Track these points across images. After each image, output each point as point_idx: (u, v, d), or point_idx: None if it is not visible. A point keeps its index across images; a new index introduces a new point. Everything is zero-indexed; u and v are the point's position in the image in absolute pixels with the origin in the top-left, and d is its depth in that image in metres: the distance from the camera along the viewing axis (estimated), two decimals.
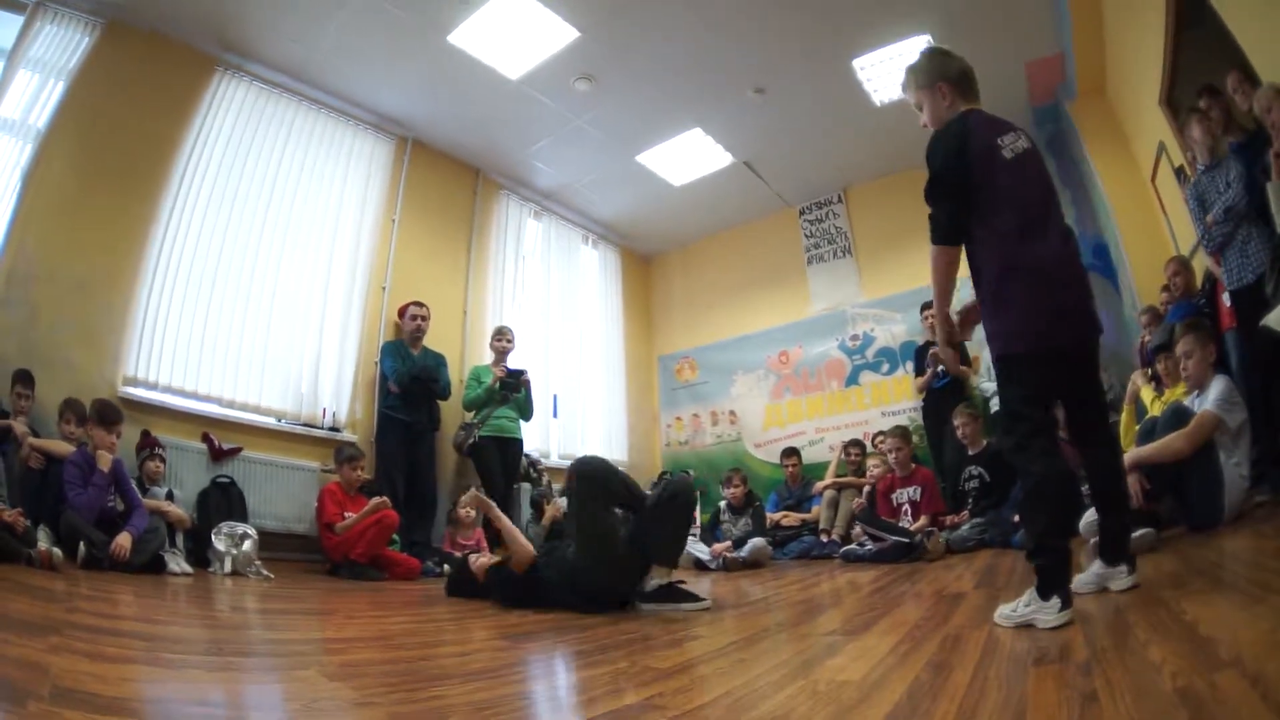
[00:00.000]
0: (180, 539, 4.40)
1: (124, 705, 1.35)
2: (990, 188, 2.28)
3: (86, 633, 1.96)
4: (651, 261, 10.48)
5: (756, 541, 5.70)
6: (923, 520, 5.46)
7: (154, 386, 5.03)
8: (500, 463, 6.14)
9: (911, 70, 2.60)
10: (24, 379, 4.24)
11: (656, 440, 9.68)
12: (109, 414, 4.16)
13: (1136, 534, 2.97)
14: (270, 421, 5.63)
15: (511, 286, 7.87)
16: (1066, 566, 2.04)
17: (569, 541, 3.39)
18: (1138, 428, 4.00)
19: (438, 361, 6.21)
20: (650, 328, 10.22)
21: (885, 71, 6.33)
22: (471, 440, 6.06)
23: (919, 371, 6.81)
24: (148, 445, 4.70)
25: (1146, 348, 5.00)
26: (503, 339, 6.51)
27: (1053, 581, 1.99)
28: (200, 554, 4.47)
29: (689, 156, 7.74)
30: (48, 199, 4.73)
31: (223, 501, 4.91)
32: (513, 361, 6.51)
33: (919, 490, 5.68)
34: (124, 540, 3.73)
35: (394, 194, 6.93)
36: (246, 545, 4.42)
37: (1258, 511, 3.46)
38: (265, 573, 4.32)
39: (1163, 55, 4.63)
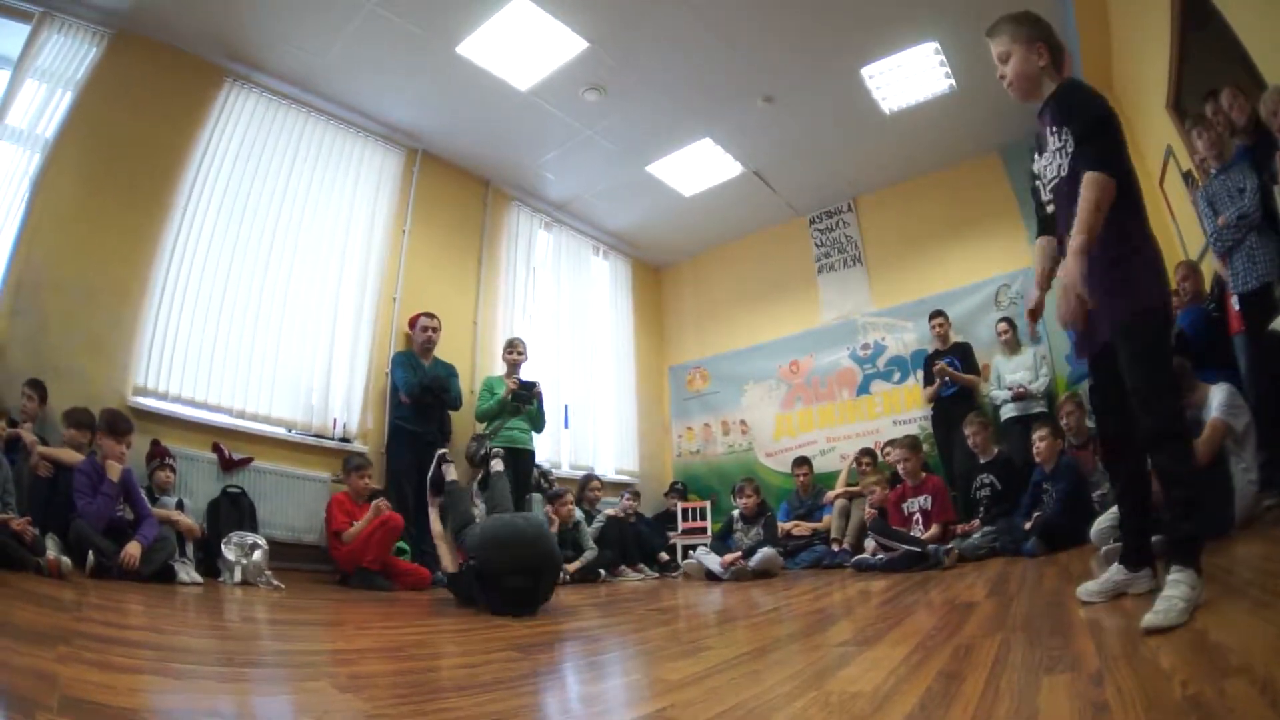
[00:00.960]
0: (190, 549, 4.39)
1: (133, 716, 1.33)
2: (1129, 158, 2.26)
3: (95, 642, 1.95)
4: (662, 271, 10.49)
5: (767, 551, 5.67)
6: (934, 530, 5.42)
7: (164, 396, 5.04)
8: (511, 474, 6.11)
9: (1012, 19, 2.54)
10: (36, 388, 4.25)
11: (668, 450, 9.66)
12: (119, 424, 4.16)
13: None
14: (281, 432, 5.63)
15: (522, 297, 7.88)
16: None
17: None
18: None
19: (448, 372, 6.21)
20: (661, 338, 10.22)
21: (894, 79, 6.35)
22: (483, 451, 6.04)
23: (929, 380, 6.80)
24: (158, 455, 4.70)
25: None
26: (514, 351, 6.50)
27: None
28: (210, 564, 4.46)
29: (699, 166, 7.74)
30: (57, 209, 4.75)
31: (233, 511, 4.91)
32: (524, 373, 6.50)
33: (930, 499, 5.65)
34: (133, 549, 3.73)
35: (404, 205, 6.95)
36: (257, 555, 4.41)
37: (1267, 515, 3.46)
38: (275, 583, 4.31)
39: (1169, 59, 4.61)
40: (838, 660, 1.97)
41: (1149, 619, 1.77)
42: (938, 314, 6.90)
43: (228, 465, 5.14)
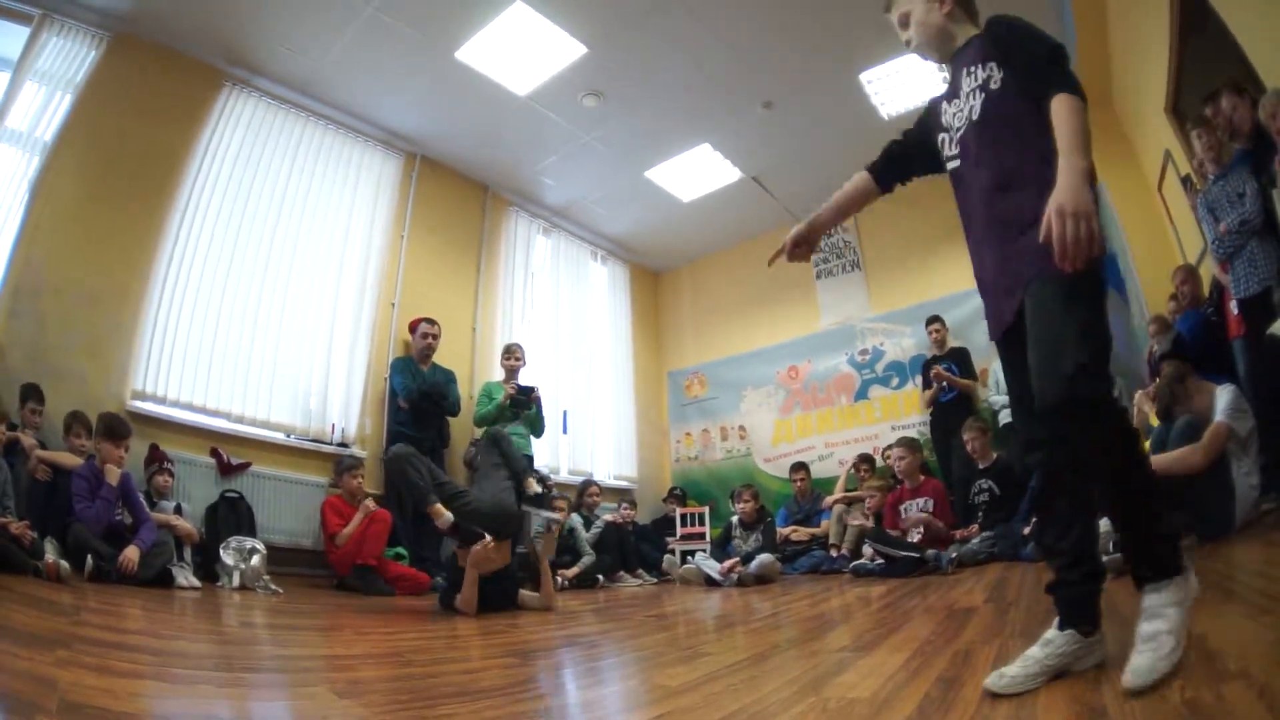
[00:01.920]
0: (188, 553, 4.39)
1: None
2: None
3: (94, 647, 1.95)
4: (660, 277, 10.49)
5: (765, 557, 5.67)
6: (937, 525, 5.43)
7: (162, 401, 5.03)
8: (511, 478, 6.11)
9: None
10: (35, 394, 4.25)
11: (666, 456, 9.65)
12: (118, 428, 4.16)
13: None
14: (279, 437, 5.63)
15: (521, 303, 7.88)
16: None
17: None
18: (1148, 442, 3.97)
19: (447, 378, 6.21)
20: (659, 343, 10.22)
21: (893, 85, 6.36)
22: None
23: (927, 385, 6.81)
24: (156, 459, 4.70)
25: (1154, 357, 4.99)
26: (512, 357, 6.50)
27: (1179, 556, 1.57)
28: (208, 568, 4.46)
29: (697, 172, 7.75)
30: (55, 212, 4.75)
31: (231, 516, 4.91)
32: (522, 378, 6.50)
33: (929, 502, 5.65)
34: (131, 554, 3.74)
35: (403, 210, 6.95)
36: (255, 560, 4.41)
37: (1267, 519, 3.47)
38: (274, 587, 4.30)
39: (1167, 63, 4.63)
40: (836, 666, 1.97)
41: (1128, 679, 1.36)
42: (935, 319, 6.91)
43: (226, 470, 5.14)
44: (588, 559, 6.07)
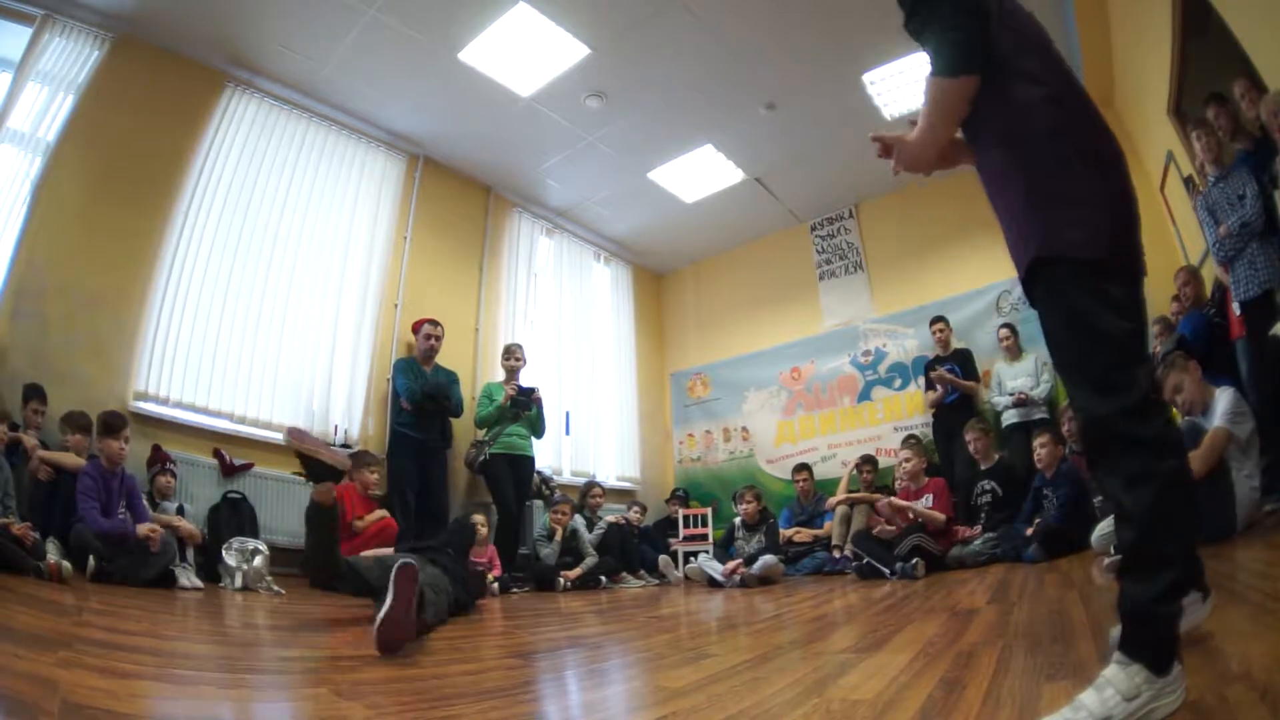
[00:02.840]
0: (191, 554, 4.39)
1: None
2: (1023, 43, 1.58)
3: (97, 647, 1.95)
4: (663, 278, 10.49)
5: (768, 558, 5.67)
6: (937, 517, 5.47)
7: (165, 402, 5.03)
8: (512, 480, 6.12)
9: None
10: (37, 394, 4.25)
11: (669, 457, 9.65)
12: (113, 422, 4.16)
13: None
14: (281, 437, 5.61)
15: (524, 304, 7.88)
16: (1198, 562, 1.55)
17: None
18: None
19: (450, 379, 6.20)
20: (662, 344, 10.22)
21: (895, 85, 6.35)
22: (483, 457, 6.05)
23: (929, 386, 6.81)
24: (159, 460, 4.70)
25: (1156, 358, 4.98)
26: (512, 357, 6.51)
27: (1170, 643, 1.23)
28: (211, 569, 4.46)
29: (700, 173, 7.75)
30: (58, 212, 4.75)
31: (234, 517, 4.91)
32: (524, 378, 6.50)
33: (931, 499, 5.65)
34: (149, 530, 3.76)
35: (406, 211, 6.96)
36: (257, 561, 4.41)
37: (1268, 520, 3.46)
38: (276, 588, 4.30)
39: (1169, 65, 4.63)
40: (839, 667, 1.96)
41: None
42: (938, 320, 6.90)
43: (229, 471, 5.14)
44: (590, 560, 6.06)
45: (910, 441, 6.25)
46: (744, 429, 8.98)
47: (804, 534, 6.71)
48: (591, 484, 7.19)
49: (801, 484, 7.17)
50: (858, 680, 1.75)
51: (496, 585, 5.22)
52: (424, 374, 6.05)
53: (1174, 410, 3.98)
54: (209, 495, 4.99)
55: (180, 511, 4.55)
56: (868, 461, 6.94)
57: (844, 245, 8.55)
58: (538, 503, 6.67)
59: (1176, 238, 5.48)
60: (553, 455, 7.60)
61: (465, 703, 1.68)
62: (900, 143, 1.69)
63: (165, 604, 3.33)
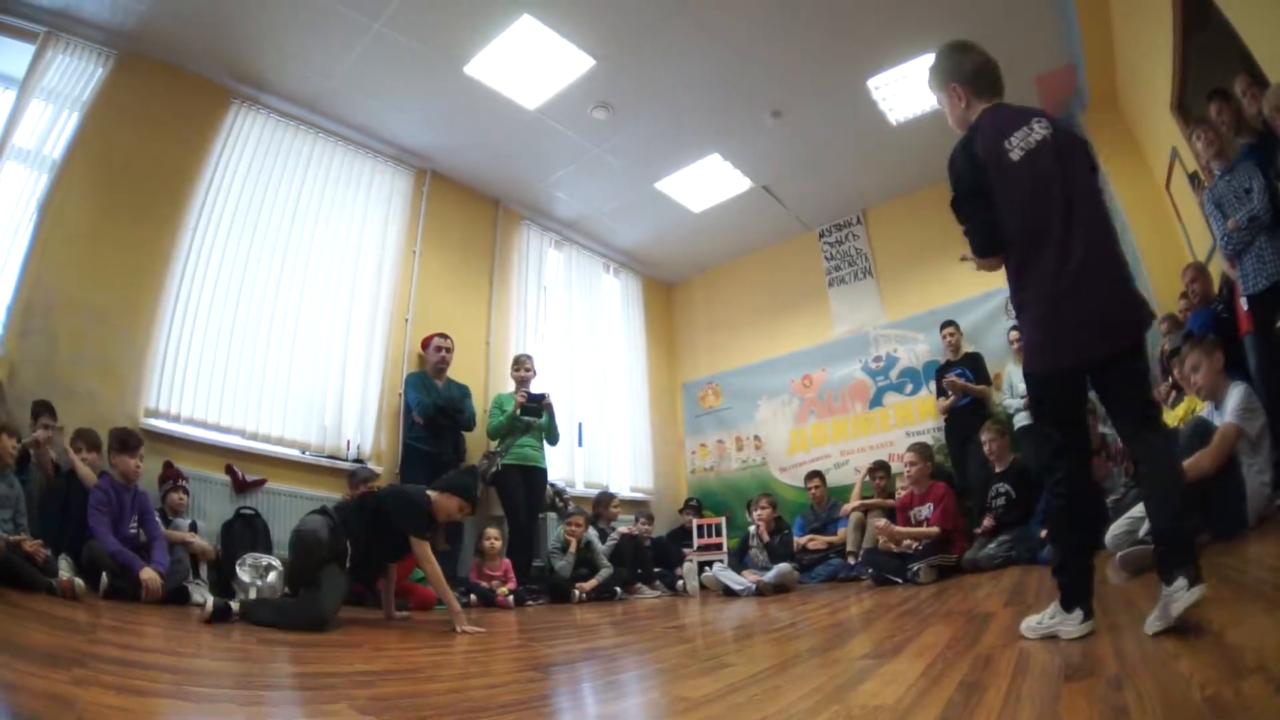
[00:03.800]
0: (204, 570, 4.39)
1: None
2: (1001, 196, 2.20)
3: (111, 665, 1.94)
4: (673, 288, 10.49)
5: (782, 566, 5.66)
6: (934, 530, 5.43)
7: (176, 418, 5.03)
8: (524, 492, 6.11)
9: (930, 71, 2.55)
10: (46, 410, 4.24)
11: (682, 467, 9.63)
12: (128, 440, 4.17)
13: None
14: (294, 453, 5.62)
15: (534, 317, 7.88)
16: (1088, 580, 2.09)
17: None
18: None
19: (462, 393, 6.20)
20: (673, 354, 10.21)
21: (900, 90, 6.35)
22: (495, 469, 6.04)
23: (940, 391, 6.78)
24: (170, 477, 4.70)
25: (1165, 355, 4.96)
26: (522, 368, 6.50)
27: (1075, 594, 2.06)
28: (224, 585, 4.45)
29: (708, 182, 7.75)
30: (65, 230, 4.76)
31: (247, 533, 4.91)
32: (536, 389, 6.49)
33: (931, 507, 5.64)
34: (152, 580, 3.72)
35: (414, 225, 6.97)
36: (271, 577, 4.40)
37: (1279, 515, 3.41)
38: None
39: (1171, 61, 4.62)
40: (858, 674, 1.95)
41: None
42: (949, 324, 6.88)
43: (241, 487, 5.14)
44: (605, 572, 6.04)
45: (915, 446, 6.21)
46: (756, 437, 8.95)
47: (818, 541, 6.67)
48: (609, 495, 7.17)
49: (814, 491, 7.14)
50: (877, 686, 1.74)
51: (512, 598, 5.20)
52: (436, 388, 6.05)
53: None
54: (221, 511, 4.98)
55: (193, 528, 4.54)
56: (880, 468, 6.90)
57: (853, 251, 8.53)
58: (551, 515, 6.65)
59: (1183, 234, 5.45)
60: (566, 467, 7.58)
61: (484, 716, 1.66)
62: None
63: (179, 621, 3.32)
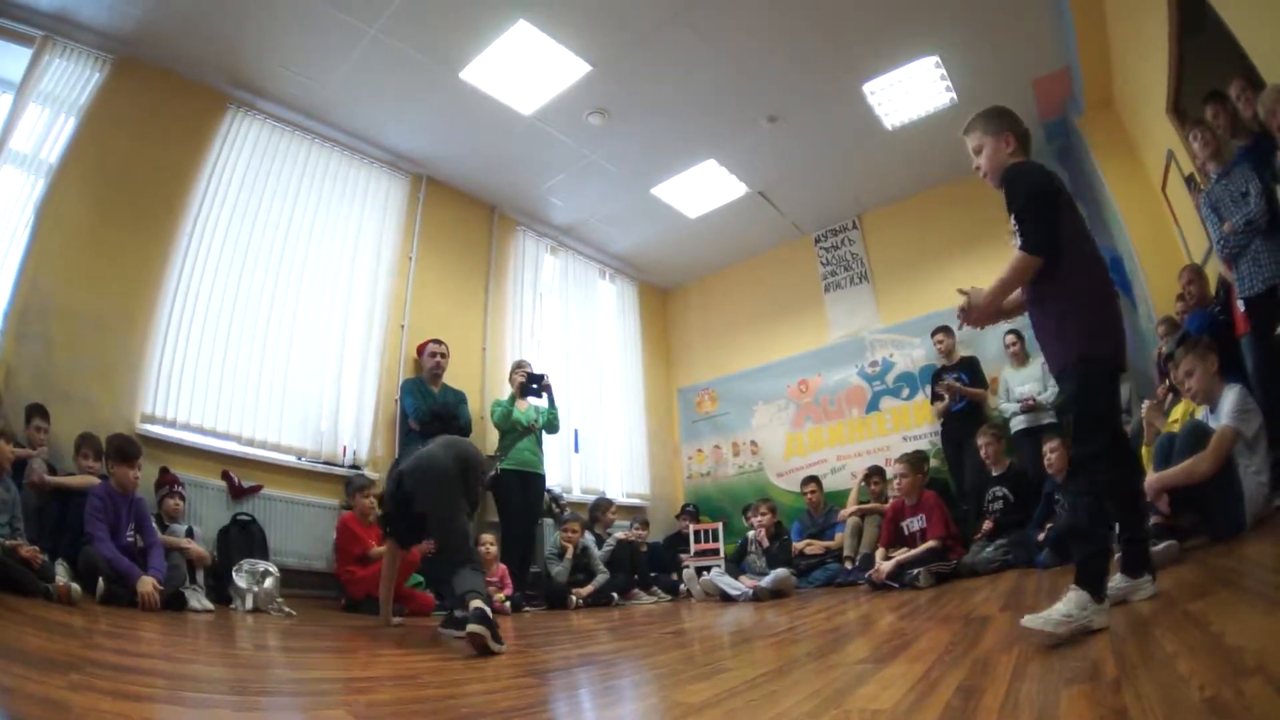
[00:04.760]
0: (201, 576, 4.38)
1: None
2: (1072, 223, 2.42)
3: (108, 670, 1.93)
4: (669, 294, 10.50)
5: (780, 571, 5.64)
6: (932, 544, 5.40)
7: (172, 424, 5.03)
8: (522, 498, 6.10)
9: (983, 116, 2.70)
10: (39, 412, 4.24)
11: (678, 473, 9.62)
12: (127, 449, 4.16)
13: (1159, 547, 3.07)
14: (290, 459, 5.61)
15: (530, 322, 7.89)
16: (1145, 550, 2.39)
17: None
18: (1154, 445, 3.97)
19: (458, 399, 6.20)
20: (669, 360, 10.22)
21: (895, 95, 6.38)
22: (493, 473, 6.03)
23: (936, 396, 6.79)
24: (167, 483, 4.69)
25: (1162, 358, 4.98)
26: (521, 372, 6.52)
27: (1102, 582, 2.17)
28: (221, 591, 4.44)
29: (703, 188, 7.77)
30: (62, 234, 4.76)
31: (243, 539, 4.90)
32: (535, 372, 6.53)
33: (924, 518, 5.60)
34: (148, 589, 3.70)
35: (410, 231, 6.98)
36: (268, 582, 4.40)
37: (1277, 516, 3.44)
38: (287, 610, 4.28)
39: (1167, 63, 4.64)
40: (856, 678, 1.94)
41: (1027, 618, 2.07)
42: (940, 330, 6.90)
43: (237, 493, 5.13)
44: (602, 577, 6.04)
45: (905, 457, 6.18)
46: (753, 443, 8.95)
47: (815, 546, 6.67)
48: (606, 501, 7.17)
49: (810, 496, 7.15)
50: (876, 690, 1.73)
51: (509, 604, 5.19)
52: (432, 394, 6.05)
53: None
54: (218, 517, 4.97)
55: (189, 534, 4.52)
56: (876, 473, 6.93)
57: (848, 256, 8.55)
58: (548, 521, 6.64)
59: (1179, 237, 5.47)
60: (562, 473, 7.57)
61: None
62: (976, 293, 2.55)
63: (176, 626, 3.31)
